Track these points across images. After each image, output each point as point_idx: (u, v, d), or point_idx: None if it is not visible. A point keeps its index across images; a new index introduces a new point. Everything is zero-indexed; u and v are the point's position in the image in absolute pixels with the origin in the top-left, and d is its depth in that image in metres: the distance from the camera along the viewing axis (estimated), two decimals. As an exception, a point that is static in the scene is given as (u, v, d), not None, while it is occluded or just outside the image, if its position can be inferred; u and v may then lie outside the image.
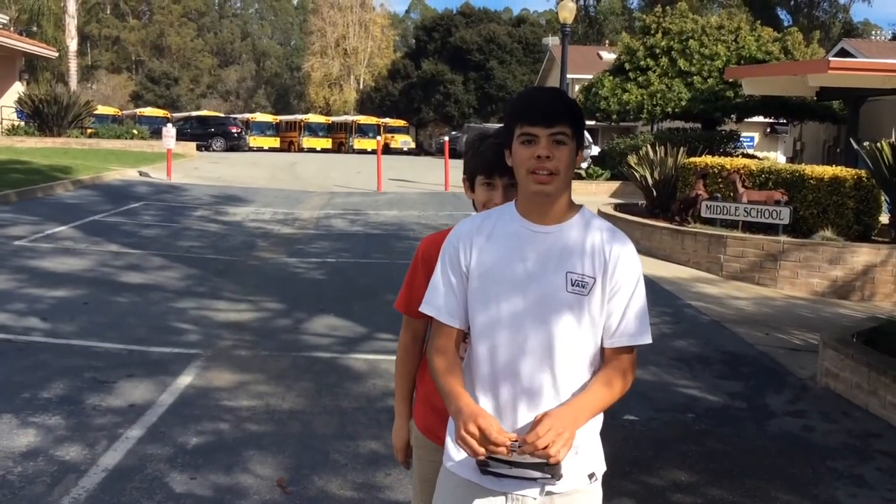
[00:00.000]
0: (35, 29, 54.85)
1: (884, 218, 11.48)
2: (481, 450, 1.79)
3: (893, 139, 10.75)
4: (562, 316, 1.92)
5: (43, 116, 26.06)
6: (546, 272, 1.93)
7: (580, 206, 2.02)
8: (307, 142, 46.27)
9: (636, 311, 1.96)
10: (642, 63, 22.21)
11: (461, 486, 2.00)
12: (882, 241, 10.86)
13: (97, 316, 7.00)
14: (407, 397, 2.44)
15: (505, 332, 1.94)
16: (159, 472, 4.04)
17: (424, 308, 2.04)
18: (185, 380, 5.46)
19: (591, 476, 1.98)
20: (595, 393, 1.91)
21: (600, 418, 2.03)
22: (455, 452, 2.00)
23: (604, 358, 1.98)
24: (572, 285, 1.92)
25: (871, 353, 5.85)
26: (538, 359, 1.93)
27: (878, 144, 10.74)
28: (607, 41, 55.22)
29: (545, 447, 1.75)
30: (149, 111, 46.20)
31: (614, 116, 22.47)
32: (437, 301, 2.01)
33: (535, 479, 1.87)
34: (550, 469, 1.79)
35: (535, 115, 1.91)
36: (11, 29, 38.28)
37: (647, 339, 1.98)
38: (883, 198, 11.29)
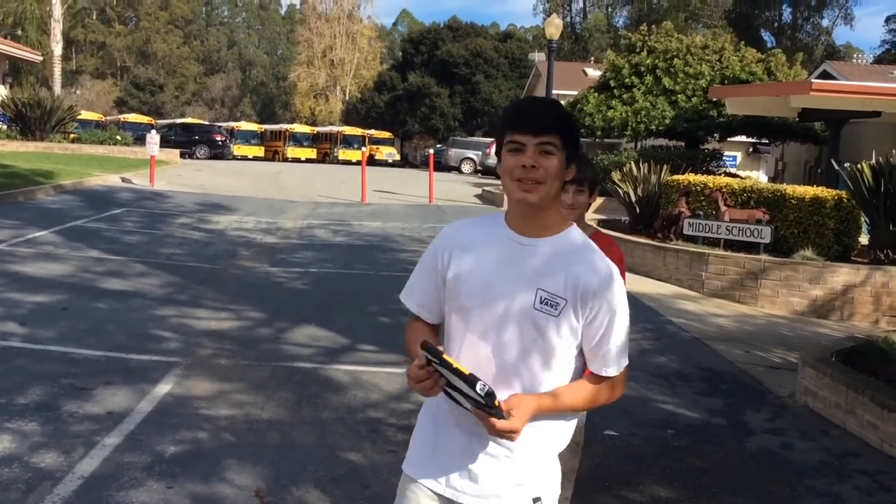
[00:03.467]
0: (19, 32, 54.57)
1: (864, 239, 11.61)
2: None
3: (874, 161, 10.85)
4: (526, 332, 1.88)
5: (26, 120, 25.85)
6: (518, 285, 1.90)
7: (571, 224, 1.98)
8: (292, 151, 46.08)
9: (615, 343, 1.93)
10: (627, 80, 22.37)
11: (410, 484, 2.05)
12: (861, 261, 10.97)
13: (76, 322, 6.94)
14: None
15: (471, 339, 1.93)
16: (136, 481, 4.00)
17: (402, 297, 2.11)
18: (164, 388, 5.42)
19: (535, 500, 1.94)
20: (571, 390, 1.93)
21: (555, 441, 2.00)
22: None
23: (574, 375, 1.97)
24: (541, 303, 1.88)
25: (850, 372, 5.90)
26: (498, 371, 1.91)
27: (859, 166, 10.88)
28: (593, 58, 55.64)
29: (508, 430, 1.80)
30: (133, 117, 45.78)
31: (599, 133, 22.59)
32: (412, 294, 2.09)
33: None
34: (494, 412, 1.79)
35: (523, 123, 1.88)
36: (-5, 32, 38.07)
37: (619, 370, 1.97)
38: (863, 219, 11.42)
